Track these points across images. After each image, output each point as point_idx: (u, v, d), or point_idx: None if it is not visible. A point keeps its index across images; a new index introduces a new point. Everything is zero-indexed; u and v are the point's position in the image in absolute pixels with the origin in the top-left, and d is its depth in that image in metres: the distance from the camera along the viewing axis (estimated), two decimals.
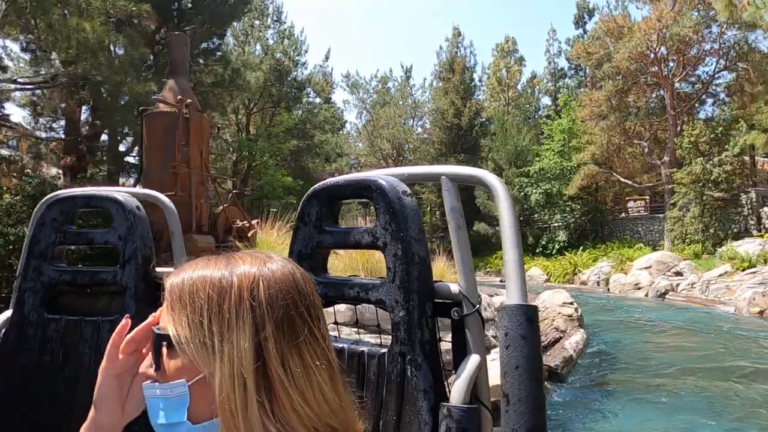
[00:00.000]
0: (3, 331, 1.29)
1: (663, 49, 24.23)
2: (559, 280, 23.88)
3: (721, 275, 15.96)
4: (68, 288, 1.36)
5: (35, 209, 1.37)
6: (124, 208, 1.30)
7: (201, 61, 16.43)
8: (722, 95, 25.59)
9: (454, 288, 0.95)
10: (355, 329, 2.57)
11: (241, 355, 0.57)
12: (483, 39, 62.42)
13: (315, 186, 1.10)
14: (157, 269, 1.32)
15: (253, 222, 9.51)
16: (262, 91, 20.30)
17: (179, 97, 8.20)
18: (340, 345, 1.02)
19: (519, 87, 46.66)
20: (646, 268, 19.02)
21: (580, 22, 42.10)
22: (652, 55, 24.15)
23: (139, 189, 1.57)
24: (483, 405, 0.87)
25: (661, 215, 24.44)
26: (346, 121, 37.98)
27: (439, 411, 0.86)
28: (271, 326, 0.58)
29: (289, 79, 21.24)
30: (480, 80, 46.68)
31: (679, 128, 23.63)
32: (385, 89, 37.16)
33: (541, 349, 0.86)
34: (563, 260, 24.79)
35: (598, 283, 21.23)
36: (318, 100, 29.82)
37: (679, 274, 17.87)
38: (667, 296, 16.12)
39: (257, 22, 22.39)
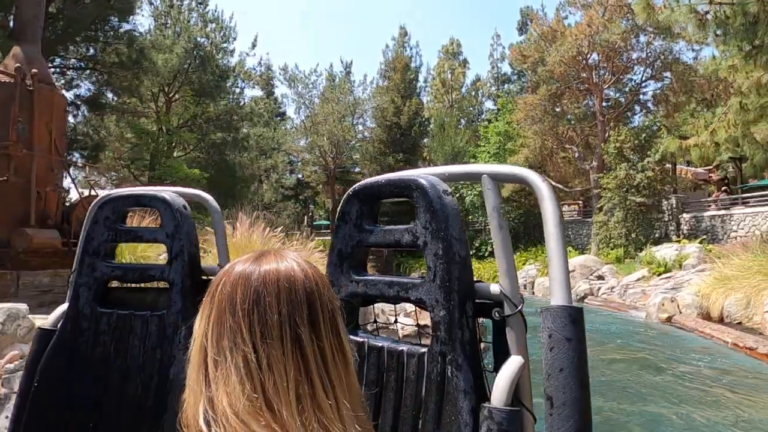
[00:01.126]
0: (60, 323, 1.37)
1: (595, 55, 24.57)
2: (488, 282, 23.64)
3: (638, 280, 16.04)
4: (119, 283, 1.43)
5: (89, 208, 1.43)
6: (172, 208, 1.35)
7: (101, 37, 14.91)
8: (650, 104, 26.28)
9: (495, 288, 0.95)
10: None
11: (196, 343, 0.66)
12: (430, 41, 62.52)
13: (355, 185, 1.11)
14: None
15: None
16: (178, 75, 18.84)
17: (17, 65, 6.94)
18: (380, 343, 1.02)
19: (463, 90, 47.02)
20: (570, 271, 18.96)
21: (523, 28, 42.55)
22: (584, 61, 24.44)
23: (187, 189, 1.56)
24: (525, 407, 0.87)
25: (590, 220, 24.77)
26: (283, 115, 36.65)
27: (480, 412, 0.88)
28: (212, 320, 0.65)
29: (212, 66, 19.86)
30: (425, 81, 46.75)
31: (607, 134, 24.00)
32: (326, 85, 36.11)
33: (586, 351, 0.85)
34: (493, 263, 24.57)
35: (524, 286, 21.11)
36: (255, 91, 28.47)
37: (600, 278, 17.92)
38: (585, 300, 16.03)
39: (176, 1, 20.80)
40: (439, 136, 31.62)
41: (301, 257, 0.71)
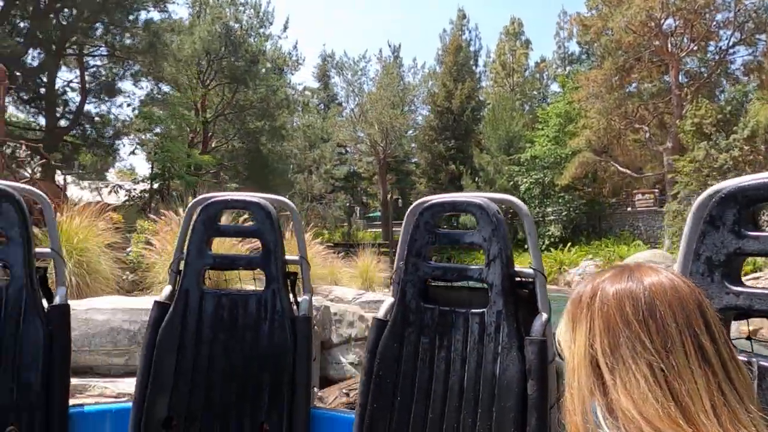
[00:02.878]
0: (390, 315, 1.50)
1: (670, 20, 21.28)
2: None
3: None
4: (439, 282, 1.56)
5: (406, 214, 1.58)
6: (488, 213, 1.44)
7: (121, 22, 14.40)
8: (738, 73, 22.49)
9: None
10: None
11: (577, 351, 0.69)
12: (492, 24, 59.21)
13: (728, 188, 1.03)
14: (517, 268, 1.44)
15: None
16: (212, 63, 18.15)
17: None
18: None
19: (526, 73, 43.92)
20: None
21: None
22: (657, 27, 21.22)
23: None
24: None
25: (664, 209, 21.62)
26: (329, 104, 35.73)
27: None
28: (599, 330, 0.68)
29: (241, 51, 19.08)
30: (485, 65, 44.08)
31: (684, 111, 20.71)
32: (374, 71, 34.75)
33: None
34: (550, 257, 22.16)
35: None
36: (296, 78, 27.69)
37: None
38: None
39: None
40: (492, 120, 29.23)
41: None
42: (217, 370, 1.60)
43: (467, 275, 1.49)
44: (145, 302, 4.44)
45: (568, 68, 39.90)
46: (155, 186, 13.76)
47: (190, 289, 1.63)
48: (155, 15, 15.52)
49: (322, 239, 10.40)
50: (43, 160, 7.14)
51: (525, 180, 26.04)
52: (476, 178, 29.37)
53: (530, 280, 1.39)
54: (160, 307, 1.64)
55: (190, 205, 1.71)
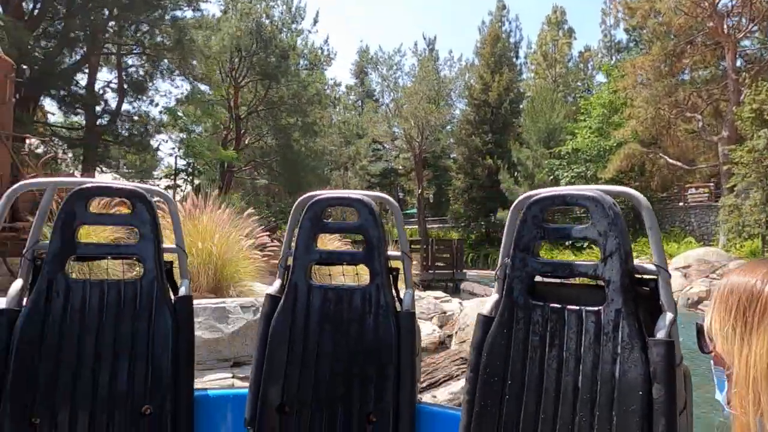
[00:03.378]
0: (497, 311, 1.47)
1: None
2: (583, 279, 20.19)
3: None
4: (548, 278, 1.51)
5: (511, 209, 1.54)
6: (603, 206, 1.36)
7: (151, 19, 14.49)
8: None
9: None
10: None
11: (755, 359, 0.62)
12: (533, 15, 57.26)
13: None
14: (641, 265, 1.39)
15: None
16: (243, 59, 18.09)
17: None
18: None
19: (570, 63, 42.21)
20: (683, 267, 15.18)
21: None
22: (711, 7, 19.65)
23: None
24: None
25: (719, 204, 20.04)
26: (357, 100, 35.37)
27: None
28: None
29: (271, 47, 18.95)
30: (525, 57, 42.63)
31: (742, 96, 19.09)
32: (409, 64, 34.15)
33: None
34: (592, 255, 20.98)
35: None
36: (330, 73, 27.45)
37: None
38: (700, 305, 12.42)
39: None
40: (531, 112, 28.06)
41: None
42: (324, 361, 1.67)
43: (580, 271, 1.43)
44: None
45: (615, 58, 38.00)
46: (179, 182, 13.82)
47: (299, 283, 1.71)
48: (189, 13, 15.70)
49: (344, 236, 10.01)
50: (51, 154, 7.09)
51: (566, 174, 24.85)
52: (515, 173, 28.33)
53: (652, 277, 1.33)
54: (272, 300, 1.73)
55: (297, 202, 1.79)
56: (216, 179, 13.05)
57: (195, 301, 1.87)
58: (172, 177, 14.08)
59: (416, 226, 36.46)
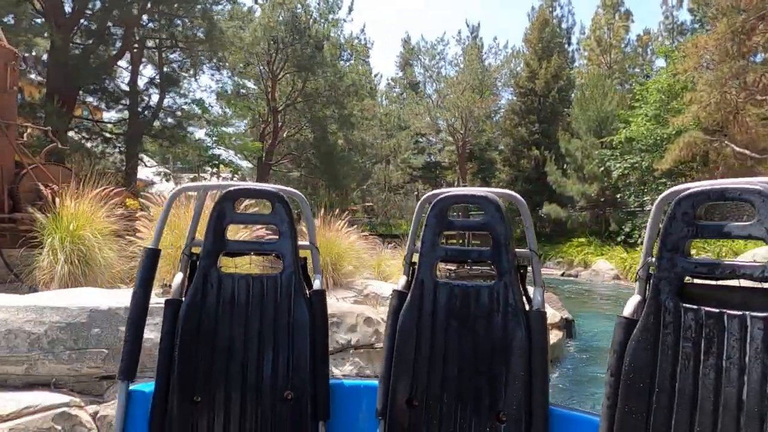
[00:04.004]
0: (640, 314, 1.42)
1: None
2: (635, 277, 18.71)
3: None
4: (702, 280, 1.45)
5: (655, 203, 1.48)
6: None
7: (169, 10, 14.46)
8: None
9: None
10: None
11: None
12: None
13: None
14: None
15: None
16: (279, 51, 17.78)
17: None
18: None
19: (627, 48, 39.78)
20: None
21: None
22: None
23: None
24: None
25: None
26: (402, 93, 34.66)
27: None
28: None
29: (306, 37, 18.60)
30: (578, 43, 40.56)
31: None
32: (454, 54, 33.11)
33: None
34: (638, 254, 19.38)
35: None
36: (380, 68, 26.85)
37: None
38: None
39: None
40: (581, 100, 26.39)
41: None
42: (452, 357, 1.68)
43: (743, 273, 1.29)
44: (59, 299, 3.73)
45: (677, 41, 35.32)
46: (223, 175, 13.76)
47: (425, 280, 1.72)
48: (227, 6, 15.59)
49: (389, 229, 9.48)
50: (54, 144, 6.94)
51: (618, 165, 23.18)
52: (563, 164, 26.82)
53: None
54: (399, 296, 1.75)
55: (421, 200, 1.82)
56: (253, 174, 12.94)
57: None
58: (212, 171, 14.10)
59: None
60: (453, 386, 1.66)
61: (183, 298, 1.75)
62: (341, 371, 4.99)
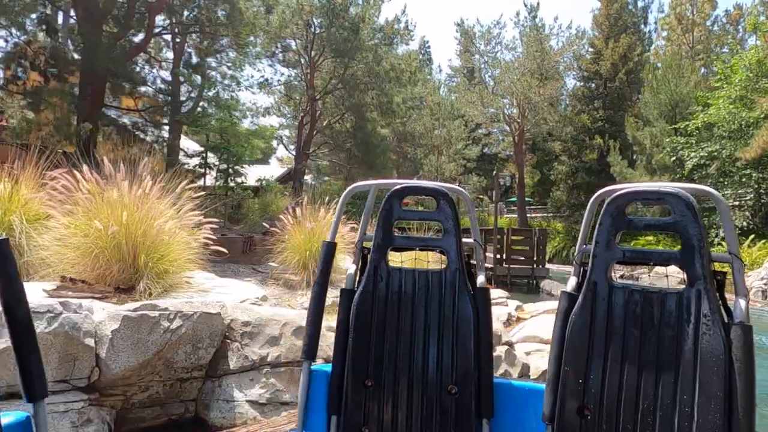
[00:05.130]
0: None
1: None
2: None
3: None
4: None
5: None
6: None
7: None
8: None
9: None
10: None
11: None
12: None
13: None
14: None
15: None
16: (316, 37, 17.01)
17: None
18: None
19: (715, 27, 35.63)
20: None
21: None
22: None
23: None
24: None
25: None
26: (435, 73, 32.96)
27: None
28: None
29: (339, 20, 17.72)
30: (655, 22, 36.89)
31: None
32: (512, 38, 30.99)
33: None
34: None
35: (764, 292, 13.52)
36: (409, 47, 25.49)
37: None
38: None
39: None
40: (652, 83, 23.56)
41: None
42: (631, 367, 1.54)
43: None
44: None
45: None
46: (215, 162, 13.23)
47: (598, 282, 1.62)
48: None
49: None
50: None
51: (693, 154, 20.39)
52: (630, 154, 24.18)
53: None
54: (569, 298, 1.67)
55: (594, 196, 1.72)
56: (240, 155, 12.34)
57: None
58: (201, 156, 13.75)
59: (516, 215, 33.44)
60: (633, 399, 1.53)
61: (356, 288, 1.86)
62: (245, 395, 3.96)
